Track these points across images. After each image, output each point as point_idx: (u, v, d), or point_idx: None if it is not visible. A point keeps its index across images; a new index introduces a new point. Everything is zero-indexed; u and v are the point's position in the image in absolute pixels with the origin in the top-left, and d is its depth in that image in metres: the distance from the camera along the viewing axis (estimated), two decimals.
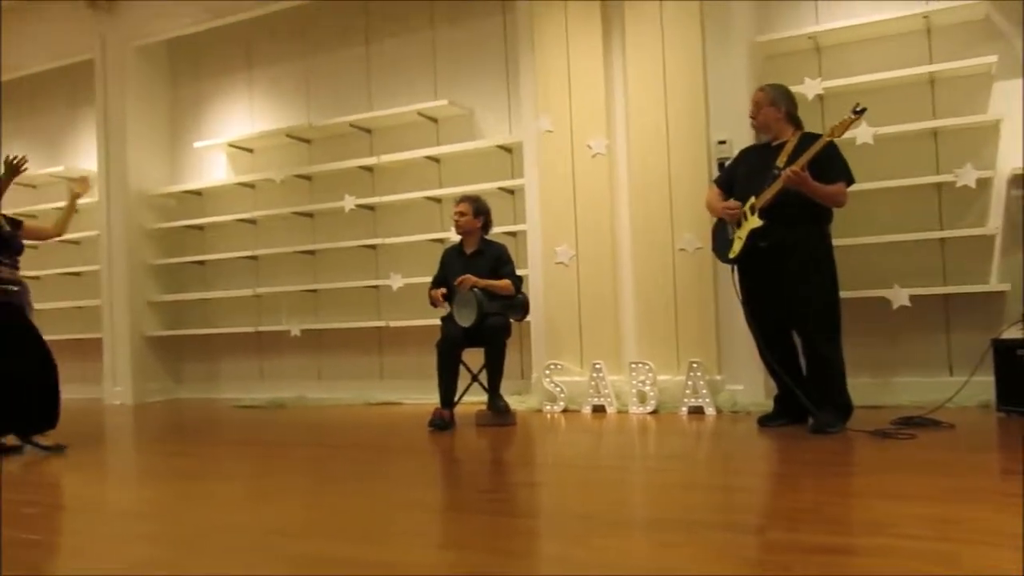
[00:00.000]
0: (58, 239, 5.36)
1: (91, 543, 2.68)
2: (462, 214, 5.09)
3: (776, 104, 4.20)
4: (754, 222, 4.06)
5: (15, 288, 4.59)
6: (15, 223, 4.81)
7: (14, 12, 8.16)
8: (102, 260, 7.57)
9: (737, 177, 4.32)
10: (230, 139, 7.47)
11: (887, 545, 2.12)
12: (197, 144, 7.68)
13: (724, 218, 4.27)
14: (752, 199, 4.09)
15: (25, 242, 4.80)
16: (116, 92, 7.67)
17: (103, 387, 7.55)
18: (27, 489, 3.67)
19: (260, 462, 4.16)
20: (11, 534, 2.85)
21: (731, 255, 4.22)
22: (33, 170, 8.28)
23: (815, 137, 4.04)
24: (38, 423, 4.54)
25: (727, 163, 4.69)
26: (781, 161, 4.04)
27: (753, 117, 4.26)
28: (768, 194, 4.01)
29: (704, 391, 4.93)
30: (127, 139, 7.62)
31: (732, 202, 4.21)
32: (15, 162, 4.53)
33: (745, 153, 4.45)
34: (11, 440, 4.48)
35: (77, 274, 8.08)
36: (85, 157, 8.27)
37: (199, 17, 7.26)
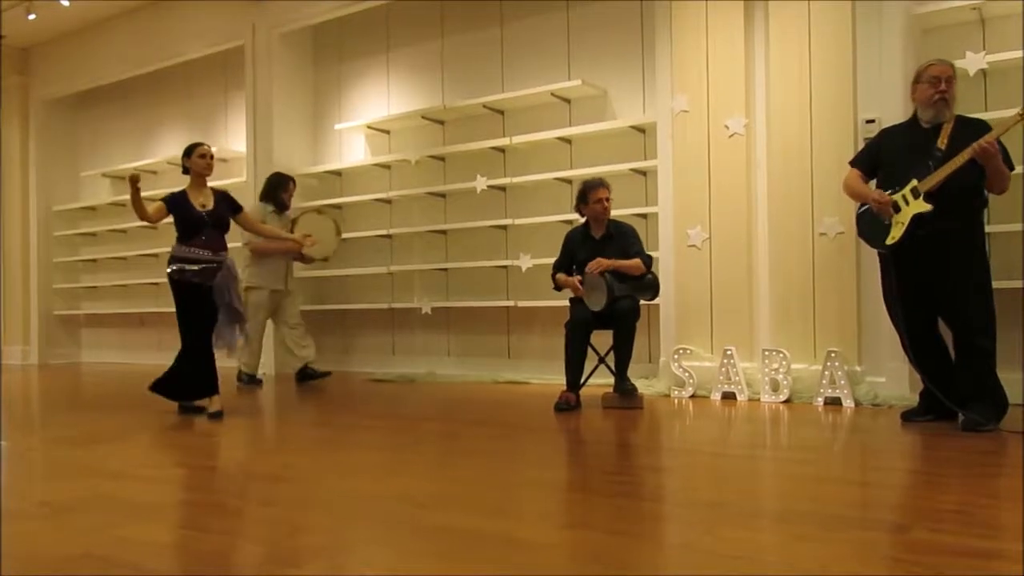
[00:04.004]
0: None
1: (242, 503, 2.85)
2: (608, 199, 5.02)
3: (956, 80, 3.98)
4: (920, 206, 3.80)
5: (209, 266, 4.80)
6: (235, 206, 5.03)
7: (174, 3, 8.71)
8: (248, 237, 7.96)
9: (884, 159, 4.08)
10: (368, 121, 7.69)
11: None
12: (338, 126, 7.97)
13: (875, 210, 3.99)
14: (913, 182, 3.83)
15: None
16: (264, 77, 8.05)
17: None
18: (180, 452, 3.94)
19: (393, 434, 4.29)
20: (168, 492, 3.07)
21: (889, 241, 3.93)
22: None
23: (971, 121, 3.86)
24: (206, 389, 4.88)
25: (867, 143, 4.41)
26: (942, 143, 3.81)
27: (945, 91, 3.91)
28: (938, 176, 3.76)
29: (842, 382, 4.71)
30: (273, 121, 8.00)
31: (880, 194, 3.96)
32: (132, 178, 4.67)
33: (890, 133, 4.20)
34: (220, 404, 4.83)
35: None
36: (236, 139, 8.74)
37: (341, 2, 7.50)
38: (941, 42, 4.85)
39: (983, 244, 3.89)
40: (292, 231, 6.52)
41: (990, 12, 4.82)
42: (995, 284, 4.00)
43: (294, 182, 6.99)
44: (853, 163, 4.32)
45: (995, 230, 4.49)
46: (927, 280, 3.88)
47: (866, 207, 4.12)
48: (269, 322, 6.97)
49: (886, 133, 4.25)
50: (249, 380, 6.72)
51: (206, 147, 5.01)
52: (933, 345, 4.01)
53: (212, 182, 5.09)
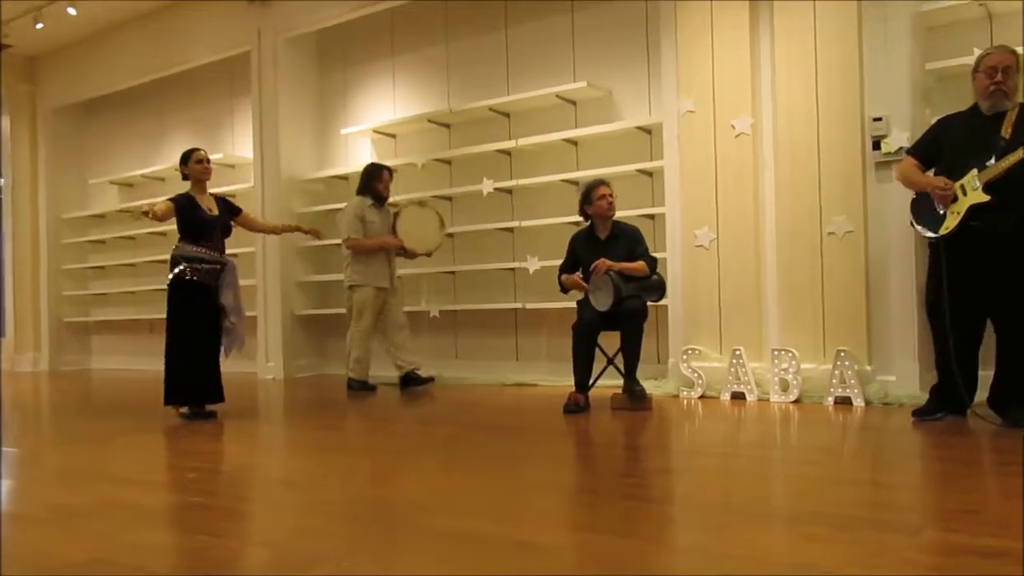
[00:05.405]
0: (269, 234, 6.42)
1: (251, 508, 2.84)
2: (612, 196, 4.99)
3: (1020, 72, 3.86)
4: (978, 197, 3.71)
5: (215, 267, 4.97)
6: (233, 209, 5.21)
7: (180, 10, 8.74)
8: (256, 242, 7.98)
9: (942, 148, 3.98)
10: (374, 125, 7.69)
11: None
12: (344, 131, 7.97)
13: (934, 197, 3.89)
14: (973, 171, 3.75)
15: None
16: (269, 82, 8.06)
17: (257, 362, 8.01)
18: (189, 456, 3.94)
19: (400, 438, 4.29)
20: (177, 497, 3.07)
21: (943, 231, 3.85)
22: None
23: None
24: (211, 396, 4.93)
25: (924, 133, 4.24)
26: (1006, 132, 3.72)
27: (1002, 82, 3.80)
28: (1001, 167, 3.67)
29: (852, 381, 4.68)
30: (279, 127, 7.99)
31: (940, 180, 3.85)
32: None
33: (948, 122, 4.07)
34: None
35: (234, 255, 8.56)
36: (243, 145, 8.76)
37: (346, 7, 7.51)
38: (948, 39, 4.83)
39: None
40: (394, 225, 6.34)
41: (997, 8, 4.78)
42: None
43: (390, 171, 6.53)
44: (910, 152, 4.21)
45: None
46: (976, 276, 3.79)
47: (919, 195, 4.01)
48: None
49: (944, 122, 4.11)
50: (361, 386, 6.39)
51: (202, 152, 5.11)
52: (969, 348, 3.91)
53: (220, 187, 5.15)
